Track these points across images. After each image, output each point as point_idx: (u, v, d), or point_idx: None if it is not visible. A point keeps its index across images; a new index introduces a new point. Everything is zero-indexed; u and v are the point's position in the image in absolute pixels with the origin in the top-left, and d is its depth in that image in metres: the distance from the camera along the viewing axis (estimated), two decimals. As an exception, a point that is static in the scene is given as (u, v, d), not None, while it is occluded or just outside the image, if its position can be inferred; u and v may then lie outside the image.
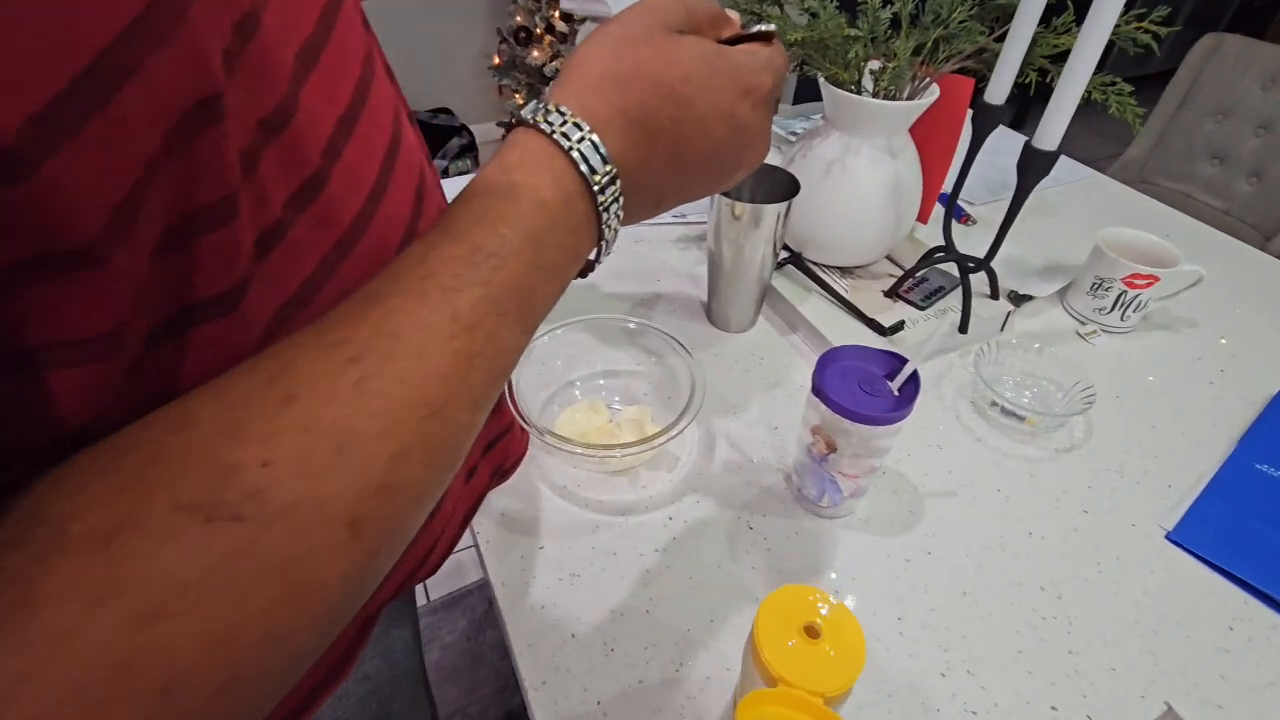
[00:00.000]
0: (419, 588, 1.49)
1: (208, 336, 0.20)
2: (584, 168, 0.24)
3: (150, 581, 0.15)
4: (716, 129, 0.27)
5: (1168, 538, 0.52)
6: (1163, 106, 1.60)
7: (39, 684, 0.13)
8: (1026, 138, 0.56)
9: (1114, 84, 0.56)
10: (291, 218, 0.21)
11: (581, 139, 0.24)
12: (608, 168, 0.24)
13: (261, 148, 0.20)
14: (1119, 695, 0.43)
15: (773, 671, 0.29)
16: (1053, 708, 0.42)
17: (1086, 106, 0.54)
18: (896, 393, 0.46)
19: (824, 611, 0.31)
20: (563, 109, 0.24)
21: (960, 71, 0.66)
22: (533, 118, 0.24)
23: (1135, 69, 3.81)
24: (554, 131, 0.24)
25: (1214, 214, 1.54)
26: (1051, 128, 0.53)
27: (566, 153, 0.24)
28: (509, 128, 0.25)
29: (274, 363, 0.18)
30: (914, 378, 0.46)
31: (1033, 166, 0.55)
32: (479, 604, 1.36)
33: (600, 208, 0.25)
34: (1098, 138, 2.68)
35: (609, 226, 0.26)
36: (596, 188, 0.24)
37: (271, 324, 0.21)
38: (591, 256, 0.27)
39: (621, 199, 0.26)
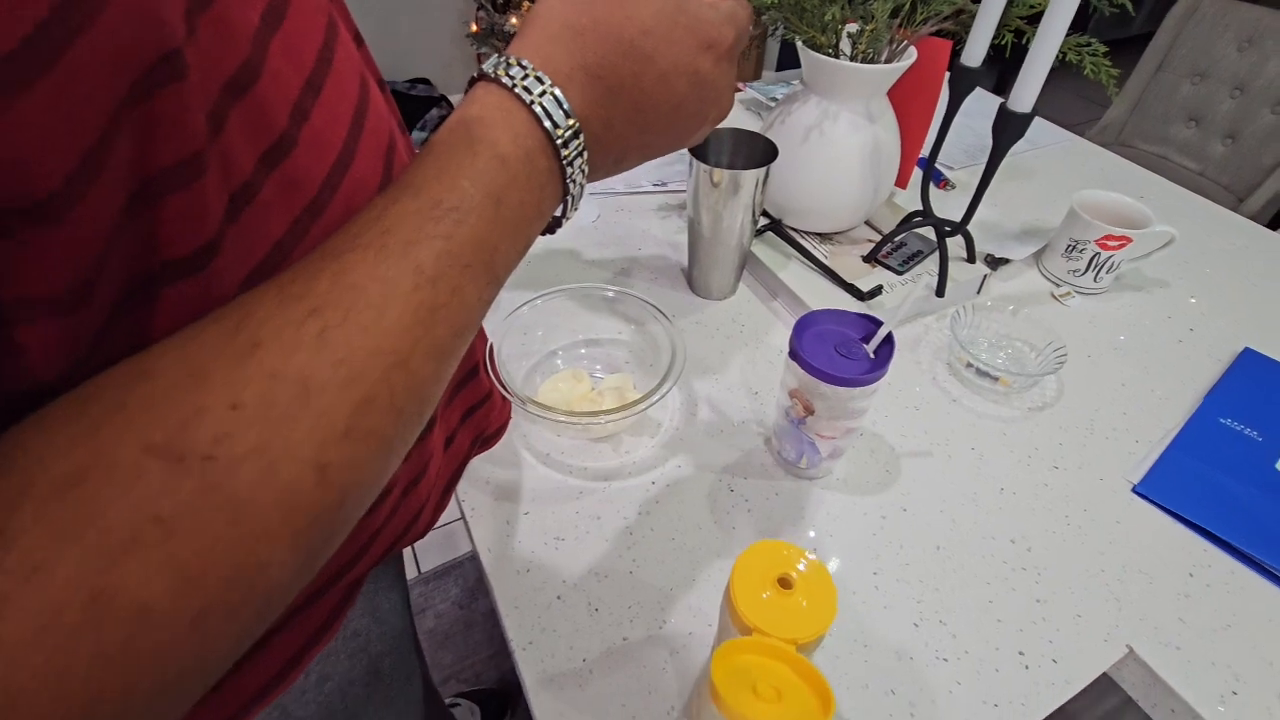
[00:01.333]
0: (410, 560, 1.50)
1: (179, 297, 0.20)
2: (546, 123, 0.24)
3: (121, 518, 0.15)
4: (678, 84, 0.27)
5: (1134, 491, 0.54)
6: (1141, 69, 1.60)
7: (17, 610, 0.14)
8: (1004, 100, 0.57)
9: (1088, 44, 0.56)
10: (261, 180, 0.21)
11: (543, 93, 0.24)
12: (570, 122, 0.24)
13: (227, 109, 0.20)
14: (1083, 639, 0.45)
15: (747, 621, 0.30)
16: (1020, 652, 0.44)
17: (1065, 71, 0.55)
18: (872, 355, 0.47)
19: (799, 565, 0.32)
20: (524, 62, 0.24)
21: (938, 34, 0.65)
22: (494, 71, 0.24)
23: (1115, 32, 3.79)
24: (515, 85, 0.24)
25: (1189, 176, 1.55)
26: (1026, 89, 0.53)
27: (528, 106, 0.23)
28: (471, 82, 0.25)
29: (236, 314, 0.18)
30: (889, 339, 0.47)
31: (1008, 128, 0.55)
32: (470, 573, 1.38)
33: (564, 163, 0.25)
34: (1077, 100, 2.67)
35: (574, 182, 0.26)
36: (559, 142, 0.24)
37: (243, 287, 0.21)
38: (557, 213, 0.27)
39: (585, 154, 0.25)
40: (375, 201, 0.22)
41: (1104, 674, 0.45)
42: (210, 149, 0.19)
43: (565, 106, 0.24)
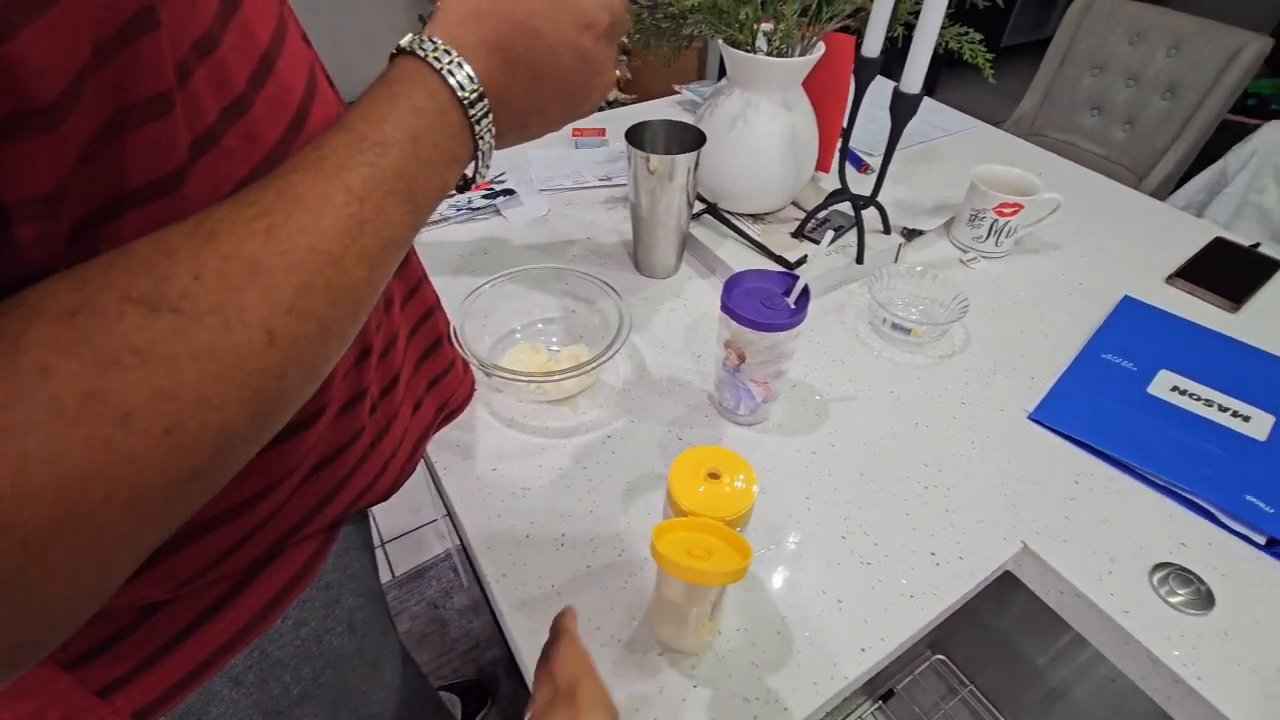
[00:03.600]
0: (384, 564, 1.51)
1: (152, 216, 0.24)
2: (453, 82, 0.29)
3: (109, 342, 0.19)
4: (565, 56, 0.33)
5: (1029, 418, 0.62)
6: (1047, 64, 1.74)
7: (27, 400, 0.18)
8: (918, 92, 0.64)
9: (966, 34, 0.65)
10: (224, 128, 0.27)
11: (451, 61, 0.29)
12: (473, 84, 0.30)
13: (194, 65, 0.25)
14: (985, 539, 0.52)
15: (682, 506, 0.36)
16: (932, 552, 0.51)
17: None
18: (792, 305, 0.54)
19: (725, 462, 0.38)
20: (435, 39, 0.30)
21: (843, 30, 0.73)
22: (410, 46, 0.30)
23: (1034, 34, 4.01)
24: (428, 56, 0.29)
25: (1096, 160, 1.69)
26: (913, 72, 0.61)
27: (439, 72, 0.29)
28: (392, 56, 0.31)
29: (197, 217, 0.23)
30: (806, 291, 0.54)
31: (901, 107, 0.63)
32: (443, 574, 1.40)
33: (472, 120, 0.30)
34: (998, 98, 2.88)
35: (482, 139, 0.31)
36: (466, 102, 0.30)
37: None
38: (470, 172, 0.33)
39: (491, 115, 0.31)
40: (315, 140, 0.27)
41: (1007, 571, 0.53)
42: (178, 93, 0.24)
43: (467, 71, 0.30)
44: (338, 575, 0.47)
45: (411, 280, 0.49)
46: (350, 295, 0.26)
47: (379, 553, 1.45)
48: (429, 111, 0.29)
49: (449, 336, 0.56)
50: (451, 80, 0.29)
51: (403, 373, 0.48)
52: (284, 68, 0.31)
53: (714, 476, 0.38)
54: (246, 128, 0.28)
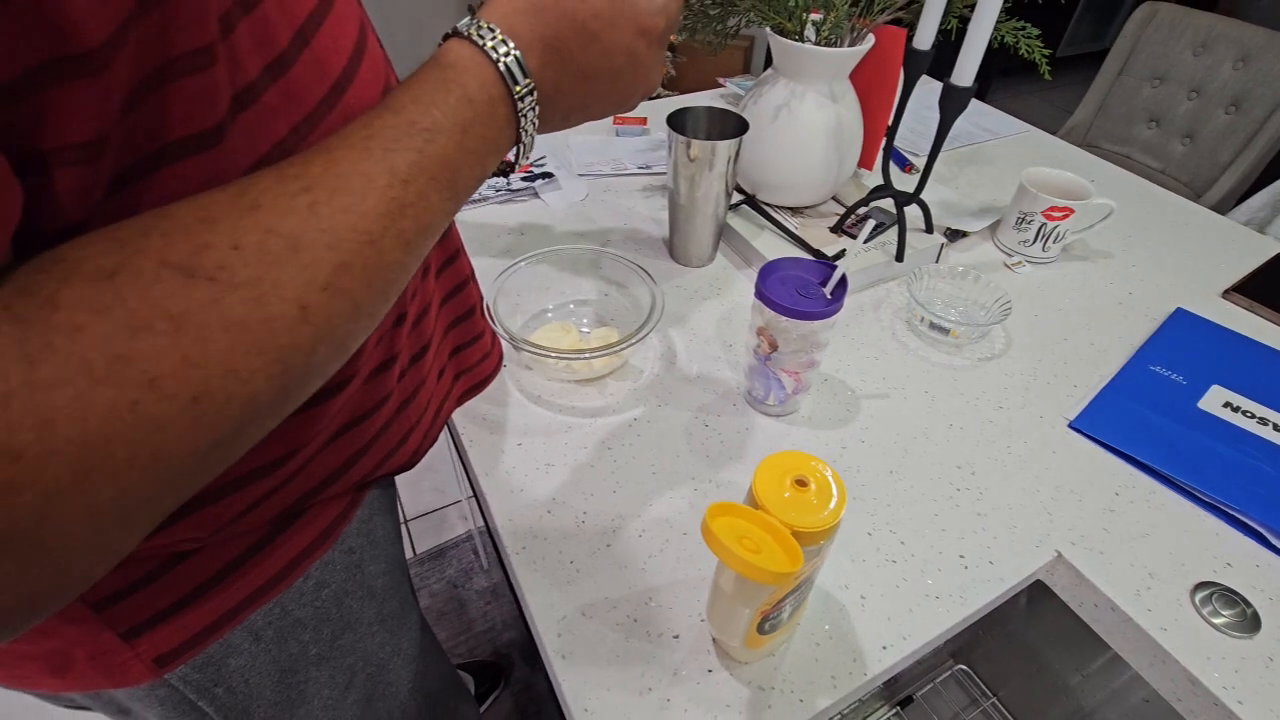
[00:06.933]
0: (406, 539, 1.53)
1: (190, 171, 0.25)
2: (508, 79, 0.29)
3: (142, 305, 0.19)
4: (617, 60, 0.33)
5: (1070, 426, 0.60)
6: (1104, 73, 1.68)
7: (59, 356, 0.18)
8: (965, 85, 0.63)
9: (1023, 28, 0.63)
10: (265, 85, 0.27)
11: (508, 54, 0.29)
12: (527, 81, 0.30)
13: (237, 19, 0.25)
14: (1018, 545, 0.51)
15: (757, 499, 0.35)
16: (961, 555, 0.50)
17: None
18: (829, 295, 0.53)
19: (822, 472, 0.36)
20: (493, 27, 0.30)
21: (893, 22, 0.72)
22: (466, 31, 0.30)
23: (1091, 45, 3.91)
24: (485, 45, 0.29)
25: (1152, 174, 1.63)
26: (966, 65, 0.59)
27: (494, 64, 0.29)
28: (446, 37, 0.30)
29: (241, 184, 0.23)
30: (843, 281, 0.53)
31: (951, 101, 0.61)
32: (464, 554, 1.42)
33: (520, 114, 0.30)
34: (1052, 109, 2.81)
35: (525, 131, 0.31)
36: (517, 97, 0.30)
37: (248, 174, 0.26)
38: (511, 157, 0.33)
39: (537, 109, 0.31)
40: (363, 116, 0.27)
41: (1038, 581, 0.51)
42: (220, 46, 0.24)
43: (524, 68, 0.30)
44: (361, 540, 0.47)
45: (449, 250, 0.50)
46: (384, 277, 0.26)
47: (402, 529, 1.47)
48: (480, 102, 0.29)
49: (482, 310, 0.57)
50: (505, 73, 0.29)
51: (433, 340, 0.49)
52: (331, 28, 0.31)
53: (801, 484, 0.36)
54: (288, 86, 0.29)
